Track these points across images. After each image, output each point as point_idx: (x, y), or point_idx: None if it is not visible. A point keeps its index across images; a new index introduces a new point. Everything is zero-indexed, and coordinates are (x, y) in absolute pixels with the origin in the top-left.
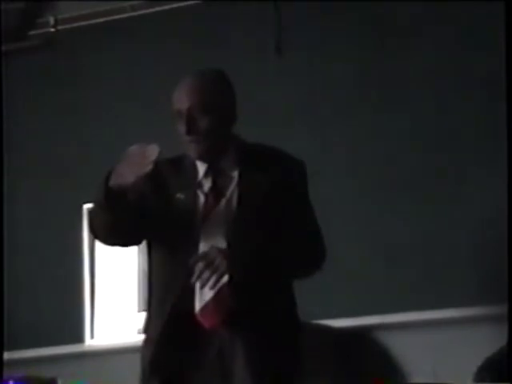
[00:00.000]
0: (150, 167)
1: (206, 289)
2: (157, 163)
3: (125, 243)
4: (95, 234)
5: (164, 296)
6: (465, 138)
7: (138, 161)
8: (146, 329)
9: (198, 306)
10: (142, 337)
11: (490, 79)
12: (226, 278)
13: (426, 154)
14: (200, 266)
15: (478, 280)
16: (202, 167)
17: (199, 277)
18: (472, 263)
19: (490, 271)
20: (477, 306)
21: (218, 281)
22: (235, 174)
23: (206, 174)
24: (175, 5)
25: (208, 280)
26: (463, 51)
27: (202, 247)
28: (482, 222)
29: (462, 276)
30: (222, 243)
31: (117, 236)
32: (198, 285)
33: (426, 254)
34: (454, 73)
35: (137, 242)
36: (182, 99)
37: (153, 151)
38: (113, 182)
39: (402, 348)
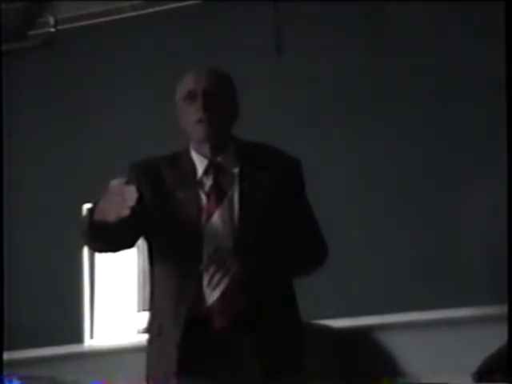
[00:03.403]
0: (127, 212)
1: (215, 291)
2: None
3: (115, 251)
4: (85, 243)
5: (173, 299)
6: (465, 138)
7: (117, 201)
8: (151, 329)
9: (206, 306)
10: (145, 337)
11: (490, 79)
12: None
13: (426, 154)
14: (210, 270)
15: (477, 280)
16: (200, 164)
17: (211, 280)
18: (472, 263)
19: (489, 271)
20: (477, 306)
21: (230, 284)
22: (236, 171)
23: (206, 172)
24: (175, 5)
25: (220, 283)
26: (463, 51)
27: (206, 247)
28: (482, 222)
29: (462, 276)
30: (225, 243)
31: (105, 249)
32: (205, 286)
33: (427, 254)
34: (455, 73)
35: (129, 247)
36: (198, 79)
37: (131, 195)
38: (96, 217)
39: (402, 348)
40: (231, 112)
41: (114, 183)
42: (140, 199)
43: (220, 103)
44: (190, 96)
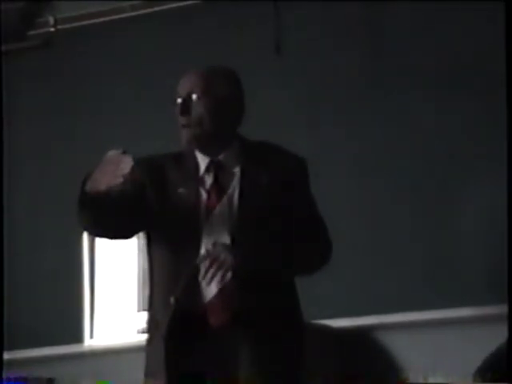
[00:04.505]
0: (120, 180)
1: (211, 286)
2: (135, 170)
3: (111, 237)
4: (82, 226)
5: (167, 293)
6: (465, 138)
7: (111, 169)
8: (150, 328)
9: (203, 303)
10: (145, 336)
11: (490, 79)
12: (230, 274)
13: (426, 154)
14: (206, 263)
15: (477, 280)
16: (203, 162)
17: (206, 274)
18: (472, 263)
19: (489, 271)
20: (477, 306)
21: (224, 276)
22: (237, 170)
23: (208, 169)
24: (175, 5)
25: (214, 276)
26: (463, 51)
27: (205, 244)
28: (482, 222)
29: (462, 276)
30: (224, 240)
31: (100, 230)
32: (202, 282)
33: (427, 254)
34: (455, 73)
35: (127, 236)
36: (184, 84)
37: (126, 164)
38: (88, 187)
39: (401, 348)
40: (228, 111)
41: (111, 153)
42: (134, 170)
43: (204, 104)
44: (177, 99)
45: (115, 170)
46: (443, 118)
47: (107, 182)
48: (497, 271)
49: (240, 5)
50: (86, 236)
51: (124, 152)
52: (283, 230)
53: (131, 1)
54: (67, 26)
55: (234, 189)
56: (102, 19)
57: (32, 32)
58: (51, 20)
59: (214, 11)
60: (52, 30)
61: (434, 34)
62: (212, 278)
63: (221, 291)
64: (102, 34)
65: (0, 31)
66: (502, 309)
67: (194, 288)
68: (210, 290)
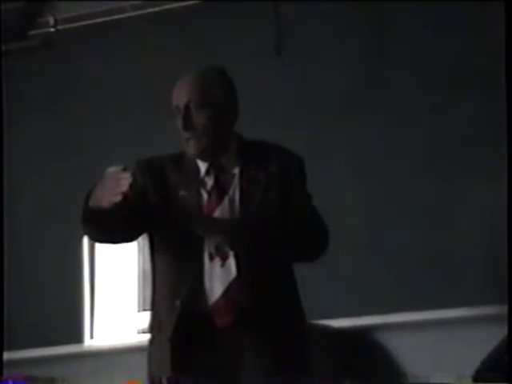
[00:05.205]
0: (119, 198)
1: (216, 287)
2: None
3: (114, 243)
4: (83, 231)
5: (171, 295)
6: (465, 138)
7: (111, 186)
8: (152, 328)
9: (208, 303)
10: (145, 336)
11: (490, 79)
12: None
13: (426, 155)
14: (210, 265)
15: (478, 280)
16: (203, 164)
17: (210, 275)
18: (472, 263)
19: (489, 271)
20: (477, 306)
21: (233, 281)
22: (236, 170)
23: (208, 172)
24: (175, 5)
25: (219, 277)
26: (463, 51)
27: (207, 245)
28: (482, 223)
29: (462, 276)
30: (225, 241)
31: (104, 242)
32: (207, 283)
33: (427, 255)
34: (454, 73)
35: (130, 241)
36: (180, 95)
37: (125, 181)
38: (91, 204)
39: (402, 348)
40: (225, 116)
41: (110, 170)
42: (133, 186)
43: (205, 114)
44: (177, 112)
45: (115, 186)
46: (443, 117)
47: (108, 200)
48: (497, 271)
49: (240, 5)
50: (86, 236)
51: (124, 169)
52: (282, 227)
53: (131, 1)
54: (67, 26)
55: (235, 190)
56: (102, 19)
57: (32, 32)
58: (51, 20)
59: (214, 11)
60: (52, 30)
61: (433, 33)
62: (216, 280)
63: (225, 292)
64: (101, 34)
65: (0, 31)
66: (502, 309)
67: (199, 289)
68: (215, 291)
